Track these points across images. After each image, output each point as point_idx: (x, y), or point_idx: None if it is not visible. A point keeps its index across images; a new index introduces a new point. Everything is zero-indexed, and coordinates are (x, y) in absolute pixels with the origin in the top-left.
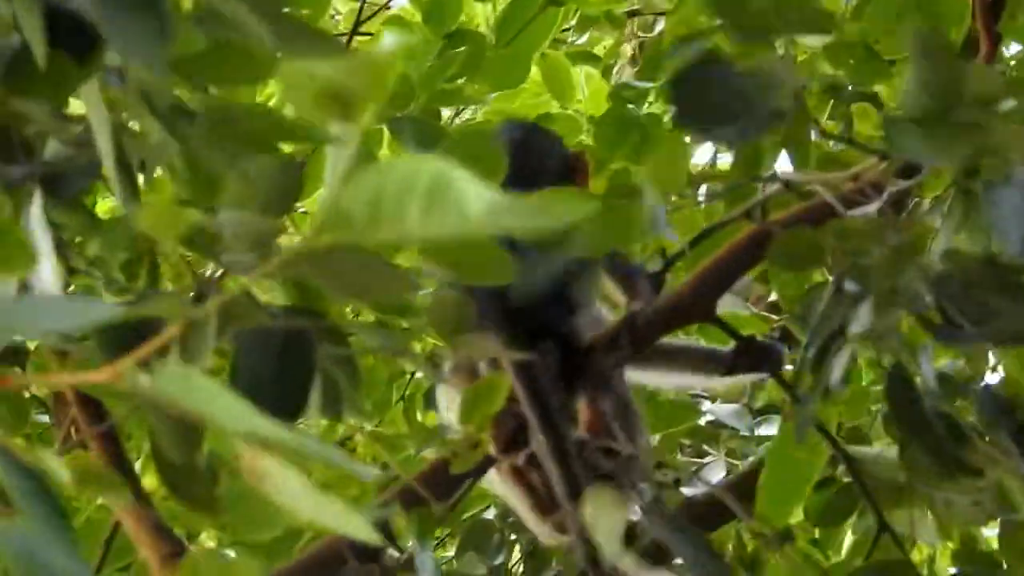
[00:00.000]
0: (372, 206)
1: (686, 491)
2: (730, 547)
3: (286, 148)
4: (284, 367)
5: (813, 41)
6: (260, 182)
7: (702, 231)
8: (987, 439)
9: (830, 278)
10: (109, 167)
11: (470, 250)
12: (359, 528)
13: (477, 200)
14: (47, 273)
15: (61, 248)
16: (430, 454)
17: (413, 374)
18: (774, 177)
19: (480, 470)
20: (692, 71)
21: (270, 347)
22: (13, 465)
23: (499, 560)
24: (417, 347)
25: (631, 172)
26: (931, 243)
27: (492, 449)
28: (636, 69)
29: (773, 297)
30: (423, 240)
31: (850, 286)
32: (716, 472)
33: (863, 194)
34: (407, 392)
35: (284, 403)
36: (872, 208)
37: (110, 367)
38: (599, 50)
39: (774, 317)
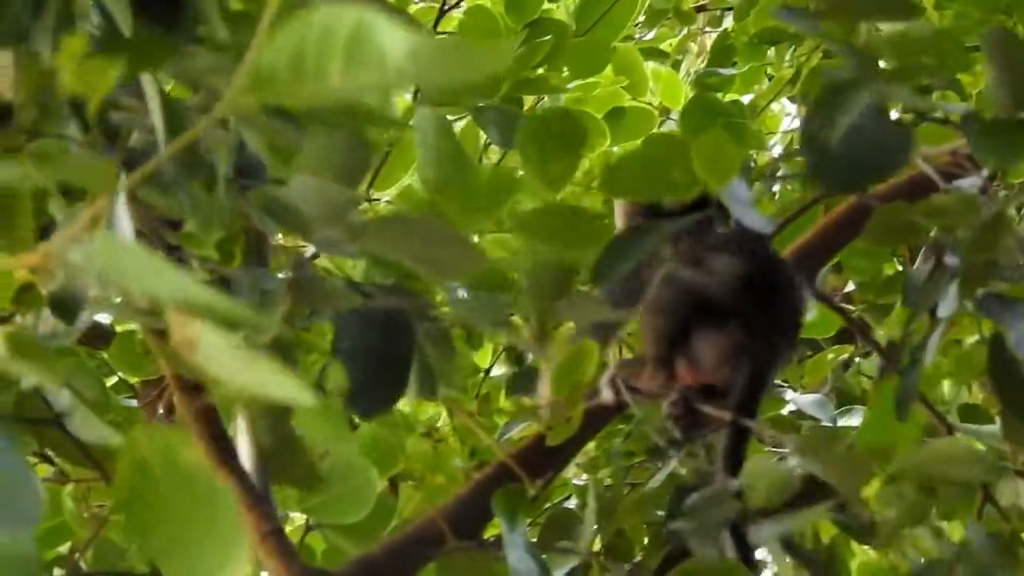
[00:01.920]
0: (294, 63)
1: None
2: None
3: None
4: (384, 346)
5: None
6: (331, 157)
7: (797, 208)
8: None
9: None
10: (163, 151)
11: (555, 217)
12: (290, 389)
13: (396, 47)
14: None
15: (155, 229)
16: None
17: (488, 372)
18: None
19: (576, 445)
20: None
21: (371, 327)
22: None
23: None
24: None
25: None
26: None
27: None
28: (704, 63)
29: (849, 288)
30: (346, 93)
31: (949, 260)
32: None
33: (960, 167)
34: (480, 391)
35: (387, 383)
36: (969, 181)
37: (40, 249)
38: (666, 46)
39: (850, 308)
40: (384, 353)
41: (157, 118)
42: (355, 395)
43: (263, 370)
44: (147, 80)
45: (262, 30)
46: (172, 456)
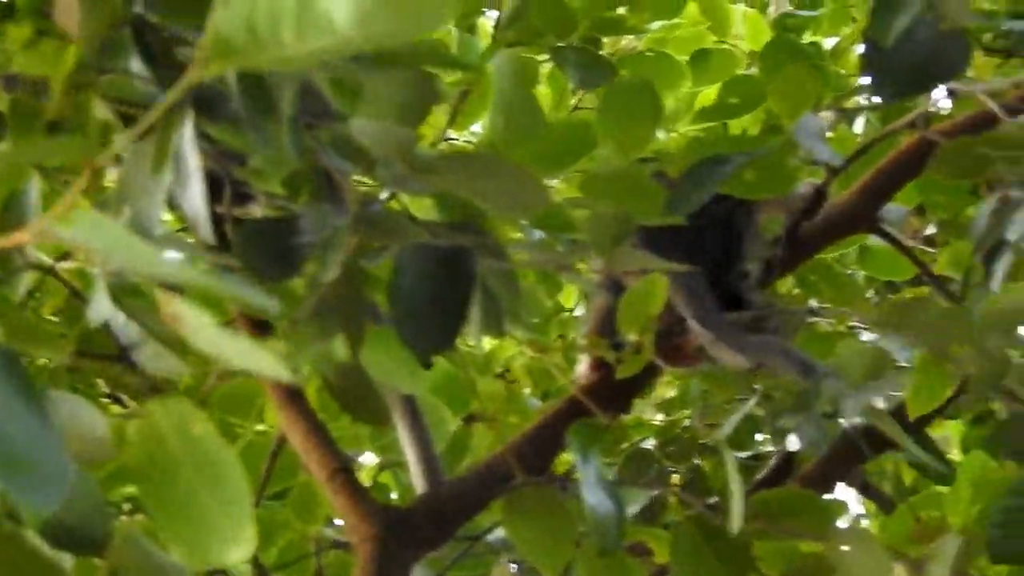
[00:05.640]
0: (248, 31)
1: (843, 422)
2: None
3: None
4: (443, 283)
5: None
6: (394, 94)
7: (863, 144)
8: None
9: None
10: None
11: (623, 183)
12: (267, 365)
13: (342, 10)
14: (195, 193)
15: (224, 163)
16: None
17: (572, 311)
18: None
19: (645, 377)
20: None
21: (429, 263)
22: None
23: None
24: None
25: None
26: None
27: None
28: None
29: (930, 231)
30: (301, 59)
31: (1015, 193)
32: (879, 398)
33: None
34: (566, 331)
35: (443, 319)
36: None
37: (34, 225)
38: None
39: (931, 250)
40: (442, 291)
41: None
42: (411, 333)
43: (244, 348)
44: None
45: (218, 2)
46: (186, 429)
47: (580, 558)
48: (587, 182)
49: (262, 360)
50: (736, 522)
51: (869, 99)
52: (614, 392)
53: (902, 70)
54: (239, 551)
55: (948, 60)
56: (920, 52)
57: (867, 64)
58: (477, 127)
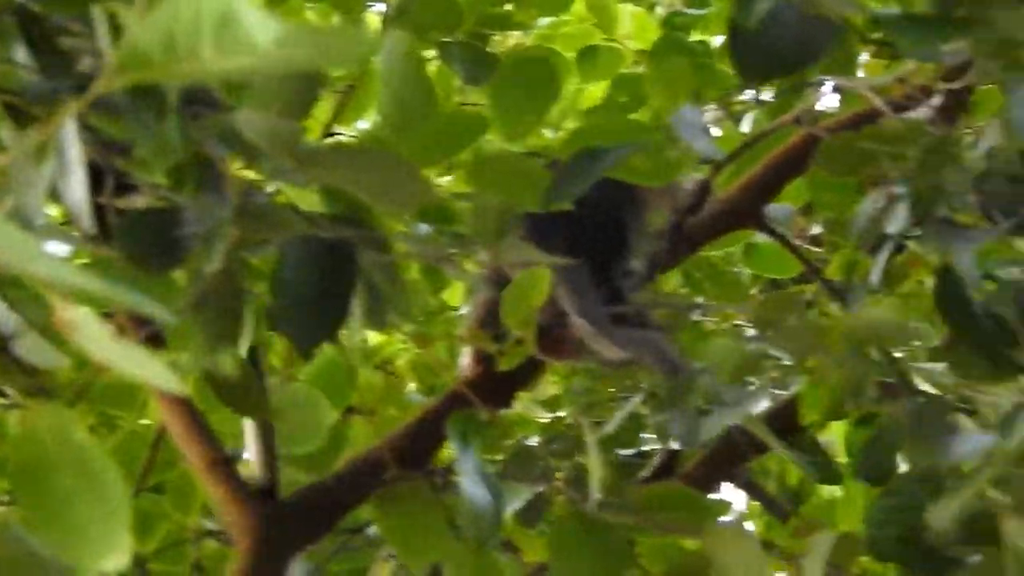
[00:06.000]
0: (166, 44)
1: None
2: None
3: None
4: (325, 276)
5: None
6: (279, 86)
7: (748, 139)
8: None
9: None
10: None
11: (509, 168)
12: (159, 375)
13: (265, 32)
14: (77, 183)
15: (107, 153)
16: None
17: (457, 310)
18: (821, 82)
19: (529, 371)
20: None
21: (311, 256)
22: None
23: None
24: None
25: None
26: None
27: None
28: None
29: (816, 230)
30: (218, 74)
31: (898, 189)
32: (759, 402)
33: (911, 98)
34: (452, 329)
35: (325, 311)
36: (919, 112)
37: None
38: None
39: (817, 249)
40: (323, 284)
41: (105, 44)
42: (293, 325)
43: (138, 358)
44: (95, 9)
45: (136, 12)
46: (66, 435)
47: (451, 555)
48: (474, 168)
49: (153, 369)
50: (597, 489)
51: (757, 97)
52: (497, 386)
53: (766, 54)
54: (113, 560)
55: (814, 45)
56: (785, 37)
57: (732, 49)
58: (363, 123)
